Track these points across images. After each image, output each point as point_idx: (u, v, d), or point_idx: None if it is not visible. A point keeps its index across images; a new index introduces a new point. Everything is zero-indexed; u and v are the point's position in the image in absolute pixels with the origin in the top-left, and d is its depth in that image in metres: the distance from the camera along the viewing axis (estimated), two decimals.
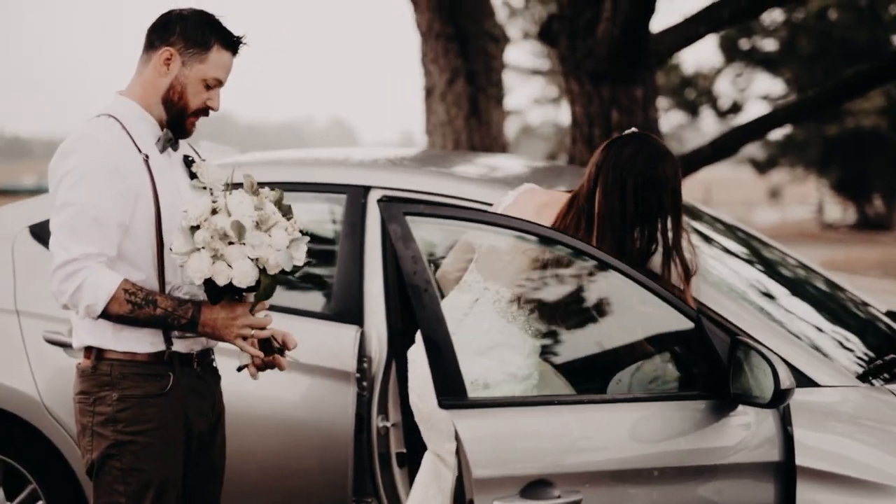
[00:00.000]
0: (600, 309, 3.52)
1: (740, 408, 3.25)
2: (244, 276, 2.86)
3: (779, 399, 3.07)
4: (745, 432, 3.26)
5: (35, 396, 3.97)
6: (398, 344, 3.85)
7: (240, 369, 3.08)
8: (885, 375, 3.59)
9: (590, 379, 3.52)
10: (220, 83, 3.09)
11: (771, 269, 4.37)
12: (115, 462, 3.00)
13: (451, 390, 2.91)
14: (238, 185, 2.99)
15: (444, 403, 2.91)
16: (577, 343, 3.58)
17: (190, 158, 3.19)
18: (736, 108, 31.65)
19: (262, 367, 3.06)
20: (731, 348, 3.21)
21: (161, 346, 3.02)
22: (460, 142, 7.94)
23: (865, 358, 3.71)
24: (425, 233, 3.35)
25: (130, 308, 2.91)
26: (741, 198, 42.78)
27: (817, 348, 3.51)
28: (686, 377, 3.41)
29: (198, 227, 2.89)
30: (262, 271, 2.90)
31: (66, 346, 3.98)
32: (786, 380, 3.06)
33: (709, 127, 34.11)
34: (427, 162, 4.39)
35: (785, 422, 3.26)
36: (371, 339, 3.83)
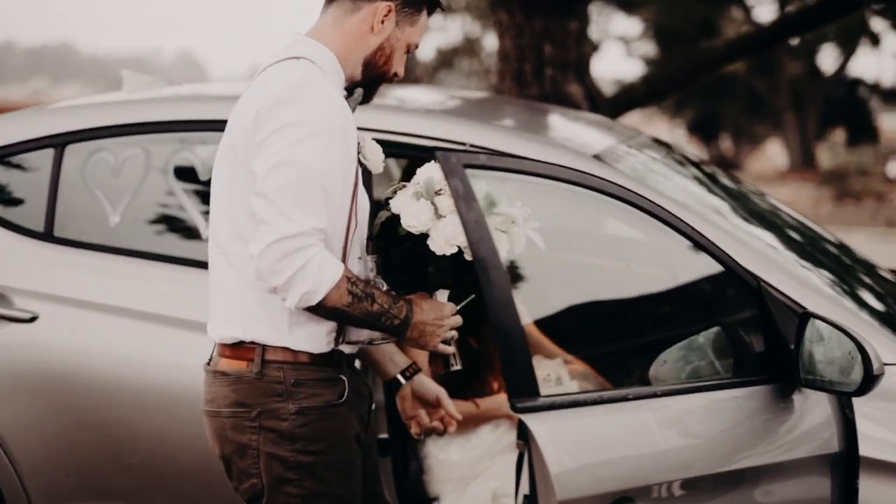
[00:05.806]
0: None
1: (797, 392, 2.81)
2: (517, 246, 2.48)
3: (868, 385, 2.63)
4: (802, 419, 2.83)
5: None
6: None
7: (449, 370, 2.57)
8: None
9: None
10: (416, 48, 2.64)
11: (802, 234, 3.83)
12: (294, 489, 2.46)
13: (523, 389, 2.33)
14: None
15: (517, 407, 2.33)
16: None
17: None
18: None
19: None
20: (801, 324, 2.74)
21: (332, 345, 2.49)
22: None
23: None
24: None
25: (350, 301, 2.36)
26: None
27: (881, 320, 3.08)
28: (738, 357, 2.95)
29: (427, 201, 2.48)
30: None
31: None
32: (876, 363, 2.62)
33: None
34: None
35: (843, 406, 2.82)
36: None
